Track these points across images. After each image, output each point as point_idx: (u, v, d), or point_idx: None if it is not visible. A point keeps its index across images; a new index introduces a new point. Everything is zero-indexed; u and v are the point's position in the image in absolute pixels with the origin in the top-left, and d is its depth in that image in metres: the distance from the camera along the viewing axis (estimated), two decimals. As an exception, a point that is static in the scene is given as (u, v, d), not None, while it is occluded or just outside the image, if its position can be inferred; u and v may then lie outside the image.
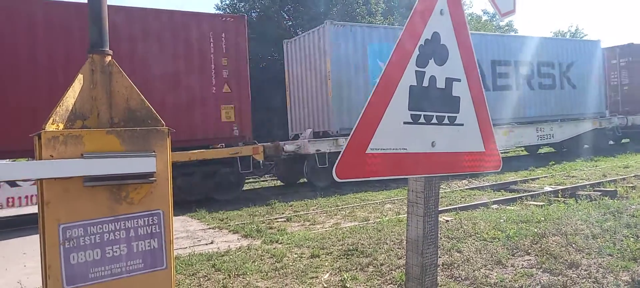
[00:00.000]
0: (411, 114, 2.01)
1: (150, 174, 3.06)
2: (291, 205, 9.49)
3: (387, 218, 7.55)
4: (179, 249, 6.06)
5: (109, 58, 3.13)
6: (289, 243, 6.08)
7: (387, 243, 5.70)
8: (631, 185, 9.85)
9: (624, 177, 11.03)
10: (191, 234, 7.33)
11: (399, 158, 2.00)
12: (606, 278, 4.29)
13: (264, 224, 7.64)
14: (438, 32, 2.04)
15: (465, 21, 2.14)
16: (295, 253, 5.61)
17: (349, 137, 1.88)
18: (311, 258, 5.38)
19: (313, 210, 8.90)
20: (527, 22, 76.86)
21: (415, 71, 1.99)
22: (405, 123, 2.00)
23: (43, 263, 2.98)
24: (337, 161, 1.84)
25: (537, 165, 14.65)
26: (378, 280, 4.54)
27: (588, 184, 10.07)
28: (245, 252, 5.79)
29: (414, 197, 2.23)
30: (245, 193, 12.42)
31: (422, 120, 2.05)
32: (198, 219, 8.55)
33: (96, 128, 3.02)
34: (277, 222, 7.92)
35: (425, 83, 2.03)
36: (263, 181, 14.89)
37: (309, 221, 7.83)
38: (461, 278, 4.46)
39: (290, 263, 5.18)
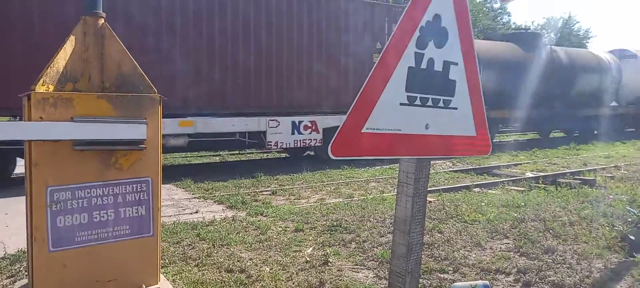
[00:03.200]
0: (408, 96, 2.03)
1: (140, 141, 3.05)
2: (277, 179, 9.53)
3: (371, 196, 7.65)
4: (164, 217, 6.06)
5: (102, 21, 3.07)
6: (274, 216, 6.13)
7: (370, 221, 5.79)
8: (610, 174, 10.11)
9: (603, 166, 11.30)
10: (176, 203, 7.33)
11: (393, 139, 2.03)
12: (580, 264, 4.44)
13: (249, 196, 7.67)
14: (439, 14, 2.05)
15: (467, 5, 2.14)
16: (280, 227, 5.67)
17: (346, 116, 1.89)
18: (295, 232, 5.44)
19: (298, 184, 8.95)
20: (520, 7, 77.01)
21: (415, 52, 2.00)
22: (401, 104, 2.02)
23: (29, 225, 2.96)
24: (333, 139, 1.86)
25: (520, 151, 14.89)
26: (360, 256, 4.63)
27: (568, 172, 10.29)
28: (230, 222, 5.83)
29: (405, 177, 2.27)
30: (229, 165, 12.41)
31: (418, 102, 2.07)
32: (183, 188, 8.54)
33: (87, 91, 2.98)
34: (263, 194, 7.96)
35: (424, 65, 2.04)
36: (249, 153, 14.87)
37: (294, 195, 7.88)
38: (441, 258, 4.56)
39: (275, 236, 5.24)
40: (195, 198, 7.70)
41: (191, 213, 6.55)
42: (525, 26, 39.91)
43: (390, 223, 5.59)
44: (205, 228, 5.55)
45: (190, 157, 14.01)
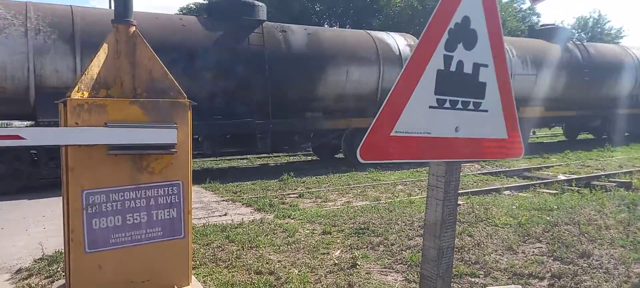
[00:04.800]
0: (437, 99, 2.01)
1: (171, 145, 3.11)
2: (304, 182, 9.56)
3: (398, 199, 7.58)
4: (194, 219, 6.16)
5: (133, 29, 3.15)
6: (301, 219, 6.16)
7: (398, 224, 5.74)
8: (647, 177, 9.74)
9: (639, 168, 10.90)
10: (205, 205, 7.45)
11: (422, 142, 2.01)
12: (617, 269, 4.29)
13: (276, 199, 7.73)
14: (468, 16, 2.02)
15: (496, 6, 2.11)
16: (307, 229, 5.69)
17: (375, 119, 1.89)
18: (323, 234, 5.45)
19: (325, 187, 8.96)
20: (550, 7, 75.13)
21: (444, 55, 1.98)
22: (430, 107, 2.00)
23: (65, 227, 3.07)
24: (361, 142, 1.86)
25: (551, 153, 14.51)
26: (389, 259, 4.60)
27: (603, 174, 9.97)
28: (258, 225, 5.88)
29: (435, 180, 2.24)
30: (256, 169, 12.54)
31: (447, 104, 2.05)
32: (212, 191, 8.67)
33: (119, 97, 3.07)
34: (290, 197, 8.00)
35: (453, 68, 2.02)
36: (276, 156, 14.99)
37: (320, 198, 7.90)
38: (471, 262, 4.49)
39: (302, 239, 5.26)
40: (223, 200, 7.81)
41: (220, 216, 6.64)
42: (555, 26, 38.94)
43: (419, 226, 5.53)
44: (234, 230, 5.61)
45: (219, 160, 14.22)
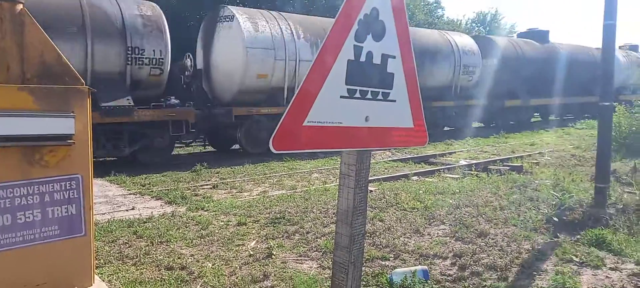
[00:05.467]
0: (348, 88, 2.04)
1: (67, 136, 2.86)
2: (218, 172, 9.34)
3: (314, 187, 7.69)
4: (98, 215, 5.76)
5: (20, 6, 2.83)
6: (215, 211, 6.02)
7: (313, 212, 5.82)
8: (535, 161, 10.81)
9: (529, 153, 12.06)
10: (110, 199, 6.99)
11: (334, 132, 2.04)
12: (510, 246, 4.72)
13: (189, 191, 7.47)
14: (377, 8, 2.07)
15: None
16: (222, 221, 5.57)
17: (287, 109, 1.88)
18: (238, 226, 5.37)
19: (240, 177, 8.83)
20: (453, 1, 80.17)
21: (354, 46, 2.02)
22: (341, 97, 2.03)
23: (-58, 230, 2.71)
24: (274, 132, 1.84)
25: (454, 140, 15.53)
26: (304, 247, 4.65)
27: (498, 159, 10.89)
28: (169, 218, 5.65)
29: (346, 169, 2.29)
30: (169, 159, 12.01)
31: (357, 94, 2.09)
32: (118, 184, 8.16)
33: (6, 83, 2.75)
34: (203, 189, 7.78)
35: (363, 58, 2.06)
36: (189, 146, 14.44)
37: (235, 188, 7.77)
38: (382, 246, 4.69)
39: (216, 231, 5.14)
40: (131, 194, 7.39)
41: (127, 211, 6.28)
42: (457, 20, 41.69)
43: (333, 213, 5.65)
44: (143, 225, 5.34)
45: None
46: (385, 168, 9.93)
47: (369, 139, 2.23)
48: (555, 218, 5.72)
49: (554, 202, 6.16)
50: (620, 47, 25.35)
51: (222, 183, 8.23)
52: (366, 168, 2.32)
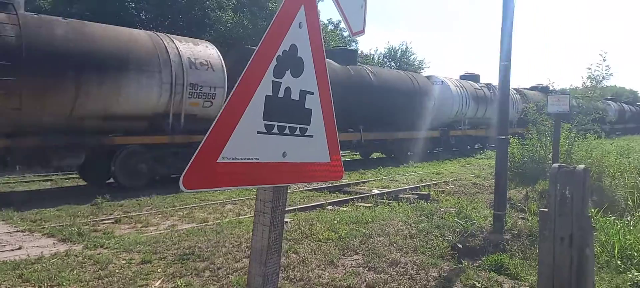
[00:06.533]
0: (265, 124, 1.98)
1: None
2: (121, 205, 8.69)
3: (227, 219, 7.44)
4: (-26, 257, 5.05)
5: None
6: (117, 248, 5.55)
7: (225, 246, 5.60)
8: (441, 189, 11.46)
9: (436, 182, 12.76)
10: (-8, 238, 6.18)
11: (250, 168, 1.96)
12: (419, 274, 4.88)
13: (87, 226, 6.84)
14: (296, 44, 2.05)
15: (321, 36, 2.19)
16: (124, 259, 5.14)
17: (200, 145, 1.76)
18: (142, 264, 4.99)
19: (147, 210, 8.29)
20: (367, 38, 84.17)
21: (272, 81, 1.97)
22: (259, 132, 1.96)
23: None
24: (185, 170, 1.72)
25: (367, 169, 15.99)
26: (214, 285, 4.43)
27: (408, 188, 11.39)
28: (63, 258, 5.10)
29: (262, 206, 2.21)
30: (66, 191, 10.98)
31: (275, 130, 2.04)
32: (3, 220, 7.25)
33: None
34: (104, 224, 7.17)
35: (281, 94, 2.02)
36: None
37: (141, 223, 7.27)
38: (296, 279, 4.61)
39: (117, 271, 4.73)
40: (18, 231, 6.60)
41: (12, 251, 5.58)
42: (370, 54, 43.63)
43: (247, 247, 5.48)
44: (31, 267, 4.76)
45: (13, 182, 12.02)
46: (301, 199, 9.92)
47: (286, 174, 2.17)
48: (460, 245, 6.06)
49: (458, 229, 6.52)
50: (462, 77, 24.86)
51: (126, 217, 7.66)
52: (283, 205, 2.25)
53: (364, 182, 12.84)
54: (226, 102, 1.82)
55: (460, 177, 13.69)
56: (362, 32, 2.72)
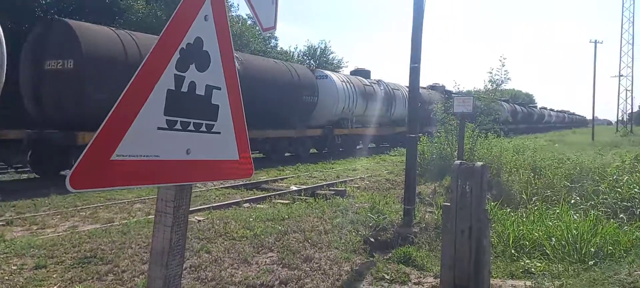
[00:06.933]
0: (167, 119, 1.88)
1: None
2: (14, 206, 7.89)
3: (135, 219, 7.04)
4: None
5: None
6: (7, 253, 5.03)
7: (132, 248, 5.30)
8: (357, 185, 11.76)
9: (352, 178, 13.08)
10: None
11: (150, 166, 1.85)
12: (332, 269, 4.97)
13: (-29, 229, 6.14)
14: (201, 38, 1.97)
15: (229, 30, 2.13)
16: (14, 265, 4.67)
17: (90, 142, 1.63)
18: (35, 269, 4.56)
19: (44, 210, 7.61)
20: (287, 34, 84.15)
21: (175, 75, 1.87)
22: (159, 128, 1.86)
23: None
24: (72, 168, 1.57)
25: (286, 166, 16.01)
26: (119, 289, 4.17)
27: (325, 184, 11.55)
28: (-62, 267, 4.52)
29: (163, 205, 2.10)
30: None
31: (178, 126, 1.94)
32: None
33: None
34: (-8, 226, 6.47)
35: (185, 88, 1.93)
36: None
37: (36, 224, 6.65)
38: (207, 280, 4.48)
39: (6, 278, 4.29)
40: None
41: None
42: (290, 51, 43.71)
43: (156, 248, 5.22)
44: None
45: None
46: (217, 196, 9.67)
47: (190, 172, 2.08)
48: (372, 239, 6.25)
49: (370, 224, 6.73)
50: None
51: (19, 218, 6.97)
52: (186, 204, 2.16)
53: (282, 179, 12.83)
54: (121, 96, 1.70)
55: (375, 174, 14.17)
56: (273, 28, 2.69)
